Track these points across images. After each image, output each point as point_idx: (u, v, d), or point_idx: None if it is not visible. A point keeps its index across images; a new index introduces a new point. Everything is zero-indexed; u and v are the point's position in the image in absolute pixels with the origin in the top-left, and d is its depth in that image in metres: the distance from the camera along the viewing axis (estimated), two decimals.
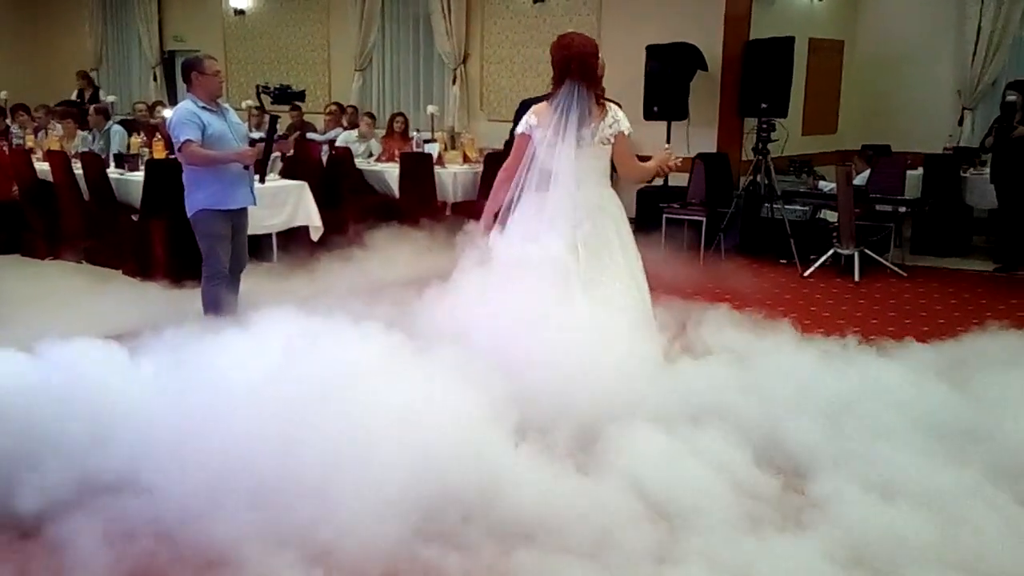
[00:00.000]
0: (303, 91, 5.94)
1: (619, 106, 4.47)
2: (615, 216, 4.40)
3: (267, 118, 5.75)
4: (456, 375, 3.71)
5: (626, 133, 4.31)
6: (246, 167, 5.55)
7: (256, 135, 6.30)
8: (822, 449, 3.83)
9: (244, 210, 5.72)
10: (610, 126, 4.28)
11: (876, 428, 3.92)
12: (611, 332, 4.10)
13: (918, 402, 4.17)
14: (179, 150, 5.39)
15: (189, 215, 5.55)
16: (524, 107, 4.75)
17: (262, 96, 5.69)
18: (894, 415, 4.04)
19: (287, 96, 5.83)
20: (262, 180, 5.78)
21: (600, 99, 4.30)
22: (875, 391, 4.27)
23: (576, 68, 4.21)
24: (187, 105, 5.43)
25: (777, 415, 4.07)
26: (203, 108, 5.41)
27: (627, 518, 3.29)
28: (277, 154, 6.29)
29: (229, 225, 5.59)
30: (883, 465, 3.59)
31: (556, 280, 4.20)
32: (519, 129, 4.42)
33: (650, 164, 4.52)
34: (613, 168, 4.56)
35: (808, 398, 4.22)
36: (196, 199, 5.49)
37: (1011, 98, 8.15)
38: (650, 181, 4.79)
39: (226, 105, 5.70)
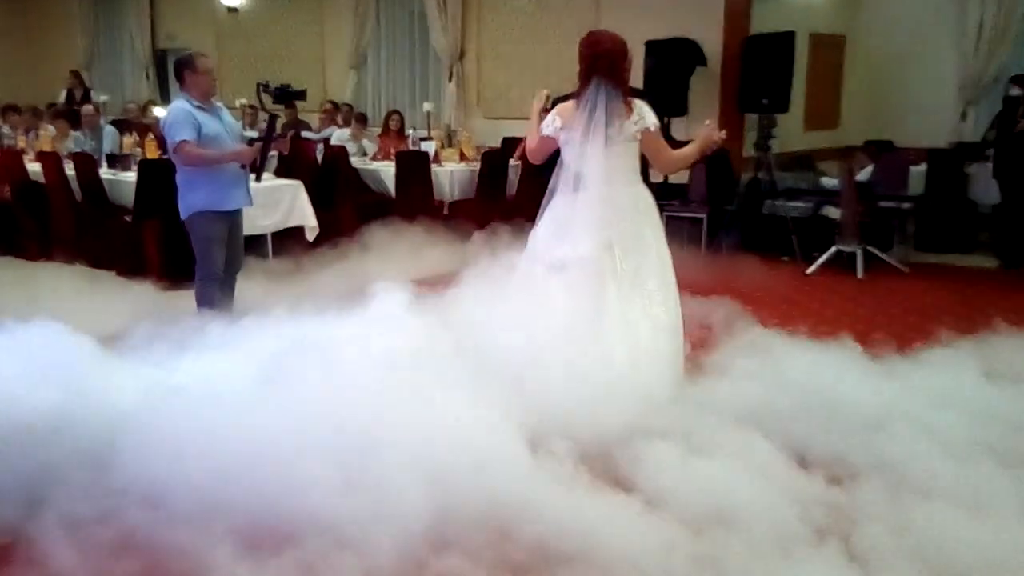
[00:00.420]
0: (304, 90, 5.85)
1: (645, 101, 4.39)
2: (648, 214, 4.33)
3: (266, 116, 5.67)
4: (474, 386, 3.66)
5: (652, 129, 4.24)
6: (243, 167, 5.44)
7: (251, 134, 6.20)
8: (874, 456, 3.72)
9: (239, 211, 5.62)
10: (635, 123, 4.21)
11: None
12: (644, 343, 4.10)
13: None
14: (175, 151, 5.26)
15: (183, 217, 5.43)
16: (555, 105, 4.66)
17: (262, 95, 5.59)
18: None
19: (288, 95, 5.76)
20: (258, 179, 5.69)
21: (627, 96, 4.22)
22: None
23: (604, 67, 4.14)
24: (181, 104, 5.30)
25: (820, 424, 3.96)
26: (197, 107, 5.30)
27: (666, 536, 3.17)
28: (275, 153, 6.19)
29: (226, 227, 5.48)
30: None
31: (588, 282, 4.15)
32: (543, 131, 4.33)
33: (690, 148, 4.42)
34: (645, 163, 4.48)
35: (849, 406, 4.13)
36: (192, 201, 5.37)
37: (1014, 92, 8.08)
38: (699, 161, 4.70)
39: (219, 104, 5.60)
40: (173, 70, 5.53)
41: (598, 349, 4.00)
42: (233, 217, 5.55)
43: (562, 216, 4.23)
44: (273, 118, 5.59)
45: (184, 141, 5.18)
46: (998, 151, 8.29)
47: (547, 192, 4.33)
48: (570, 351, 3.95)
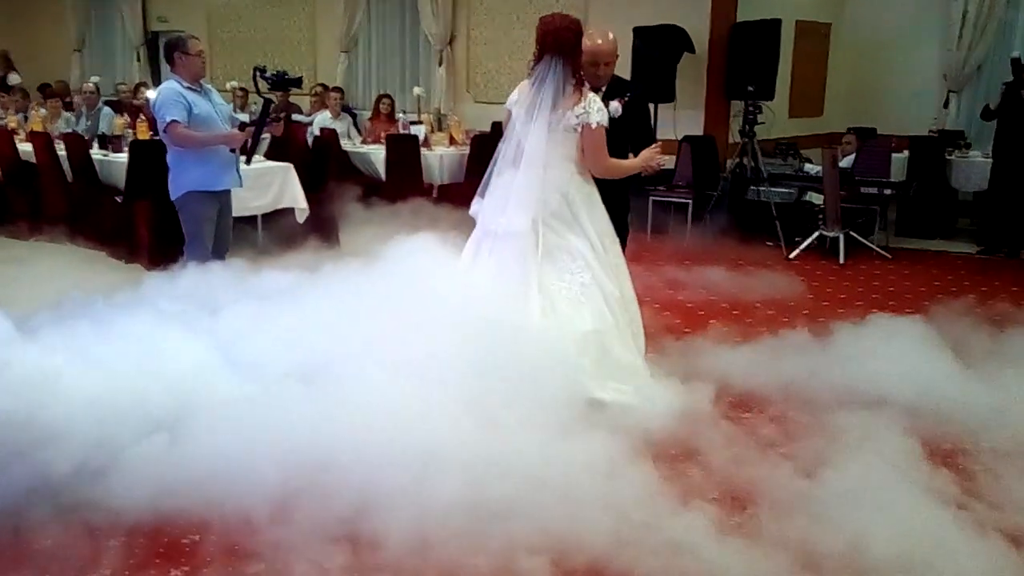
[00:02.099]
0: (300, 77, 5.90)
1: (630, 89, 4.45)
2: (584, 204, 4.28)
3: (263, 100, 5.71)
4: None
5: (593, 126, 4.15)
6: (232, 150, 5.51)
7: (243, 117, 6.26)
8: None
9: (229, 192, 5.70)
10: (577, 115, 4.15)
11: None
12: (562, 317, 4.14)
13: None
14: (164, 131, 5.33)
15: (174, 197, 5.51)
16: None
17: (259, 80, 5.63)
18: None
19: (284, 82, 5.78)
20: (248, 161, 5.75)
21: (580, 83, 4.21)
22: None
23: (552, 45, 4.15)
24: (171, 85, 5.38)
25: None
26: (187, 89, 5.37)
27: None
28: (266, 136, 6.24)
29: (216, 207, 5.56)
30: None
31: (515, 254, 4.20)
32: (507, 104, 4.42)
33: (629, 162, 4.44)
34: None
35: None
36: (182, 181, 5.44)
37: (1015, 55, 8.29)
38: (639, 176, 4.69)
39: (209, 86, 5.66)
40: (163, 52, 5.58)
41: (517, 313, 4.04)
42: (223, 198, 5.63)
43: (504, 189, 4.26)
44: (268, 103, 5.63)
45: (174, 121, 5.24)
46: (1001, 123, 8.36)
47: (492, 160, 4.36)
48: (492, 311, 4.00)
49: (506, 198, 4.23)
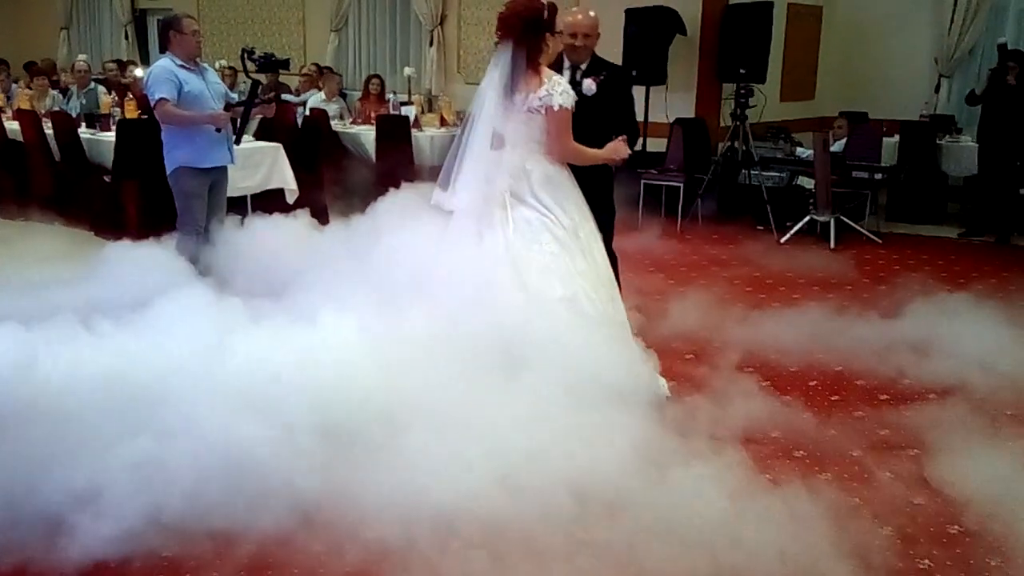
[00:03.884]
0: (287, 59, 5.90)
1: (623, 72, 4.37)
2: (543, 181, 4.19)
3: (250, 82, 5.71)
4: None
5: (556, 108, 4.07)
6: (218, 130, 5.49)
7: (235, 96, 6.24)
8: None
9: (224, 168, 5.73)
10: (540, 97, 4.07)
11: None
12: (533, 286, 4.09)
13: None
14: (154, 107, 5.38)
15: (168, 172, 5.56)
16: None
17: (246, 61, 5.63)
18: None
19: (272, 64, 5.80)
20: (237, 142, 5.74)
21: (538, 67, 4.11)
22: None
23: (502, 27, 4.09)
24: (164, 63, 5.41)
25: None
26: (181, 67, 5.39)
27: None
28: (258, 118, 6.24)
29: (206, 183, 5.61)
30: None
31: (470, 229, 4.18)
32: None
33: (594, 152, 4.32)
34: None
35: None
36: (174, 157, 5.50)
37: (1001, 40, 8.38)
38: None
39: (205, 64, 5.68)
40: (158, 30, 5.61)
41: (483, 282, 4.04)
42: (215, 174, 5.66)
43: (458, 166, 4.23)
44: (255, 84, 5.66)
45: (163, 99, 5.27)
46: (985, 109, 8.38)
47: (455, 138, 4.32)
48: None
49: (459, 175, 4.21)
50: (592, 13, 4.64)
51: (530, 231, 4.17)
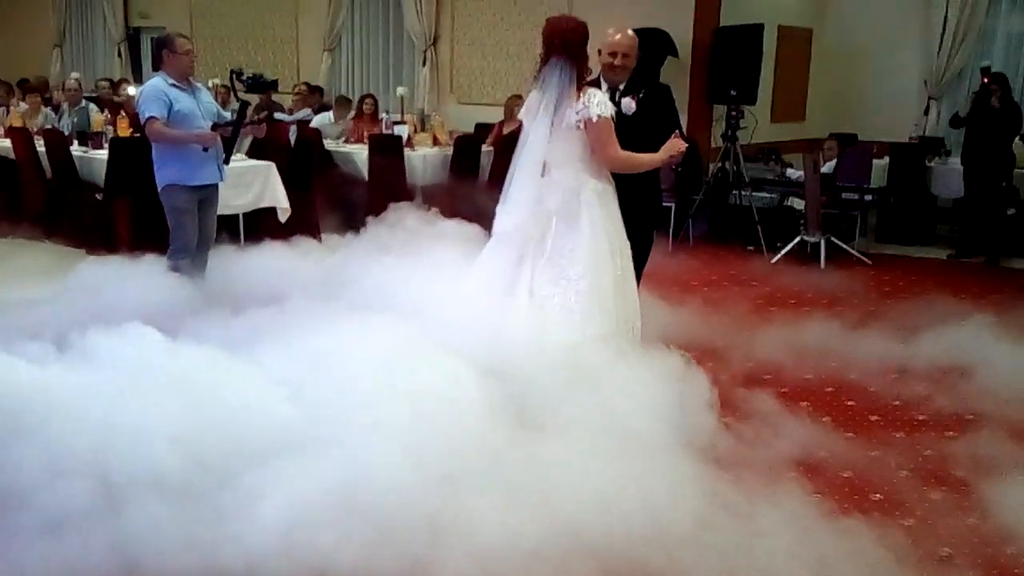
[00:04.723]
0: (275, 80, 5.97)
1: (601, 89, 4.39)
2: (591, 205, 4.20)
3: (239, 103, 5.74)
4: None
5: (594, 119, 4.09)
6: (205, 149, 5.51)
7: (227, 115, 6.26)
8: None
9: (214, 187, 5.75)
10: (577, 112, 4.10)
11: None
12: (551, 321, 4.11)
13: None
14: (143, 126, 5.43)
15: (159, 189, 5.59)
16: None
17: (235, 82, 5.67)
18: None
19: (260, 85, 5.86)
20: (226, 161, 5.76)
21: (582, 83, 4.17)
22: None
23: (559, 44, 4.11)
24: (156, 82, 5.47)
25: None
26: (172, 85, 5.44)
27: None
28: (249, 137, 6.27)
29: (196, 201, 5.63)
30: None
31: (509, 253, 4.22)
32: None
33: (649, 156, 4.28)
34: None
35: None
36: (165, 174, 5.54)
37: (984, 63, 8.45)
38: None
39: (198, 84, 5.71)
40: (152, 49, 5.64)
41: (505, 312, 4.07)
42: (205, 192, 5.68)
43: (506, 190, 4.27)
44: (244, 105, 5.70)
45: (152, 117, 5.33)
46: (969, 131, 8.44)
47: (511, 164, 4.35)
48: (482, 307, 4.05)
49: (506, 198, 4.24)
50: (630, 32, 4.61)
51: (562, 263, 4.18)
